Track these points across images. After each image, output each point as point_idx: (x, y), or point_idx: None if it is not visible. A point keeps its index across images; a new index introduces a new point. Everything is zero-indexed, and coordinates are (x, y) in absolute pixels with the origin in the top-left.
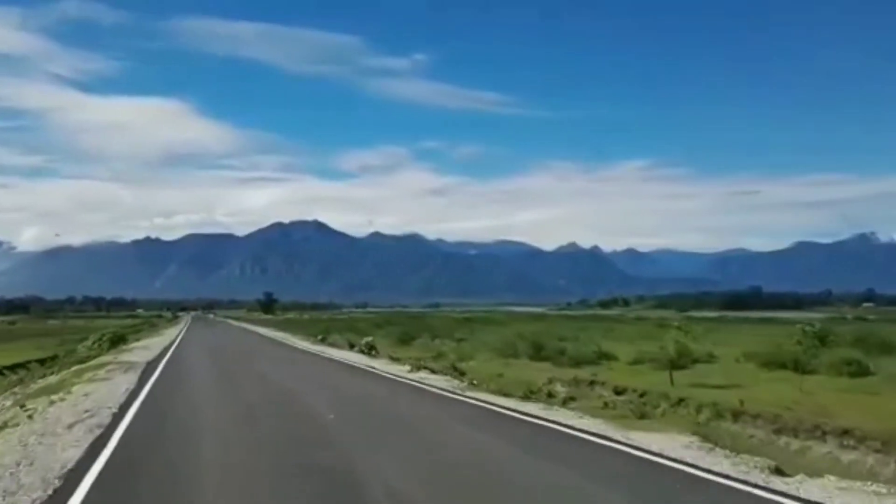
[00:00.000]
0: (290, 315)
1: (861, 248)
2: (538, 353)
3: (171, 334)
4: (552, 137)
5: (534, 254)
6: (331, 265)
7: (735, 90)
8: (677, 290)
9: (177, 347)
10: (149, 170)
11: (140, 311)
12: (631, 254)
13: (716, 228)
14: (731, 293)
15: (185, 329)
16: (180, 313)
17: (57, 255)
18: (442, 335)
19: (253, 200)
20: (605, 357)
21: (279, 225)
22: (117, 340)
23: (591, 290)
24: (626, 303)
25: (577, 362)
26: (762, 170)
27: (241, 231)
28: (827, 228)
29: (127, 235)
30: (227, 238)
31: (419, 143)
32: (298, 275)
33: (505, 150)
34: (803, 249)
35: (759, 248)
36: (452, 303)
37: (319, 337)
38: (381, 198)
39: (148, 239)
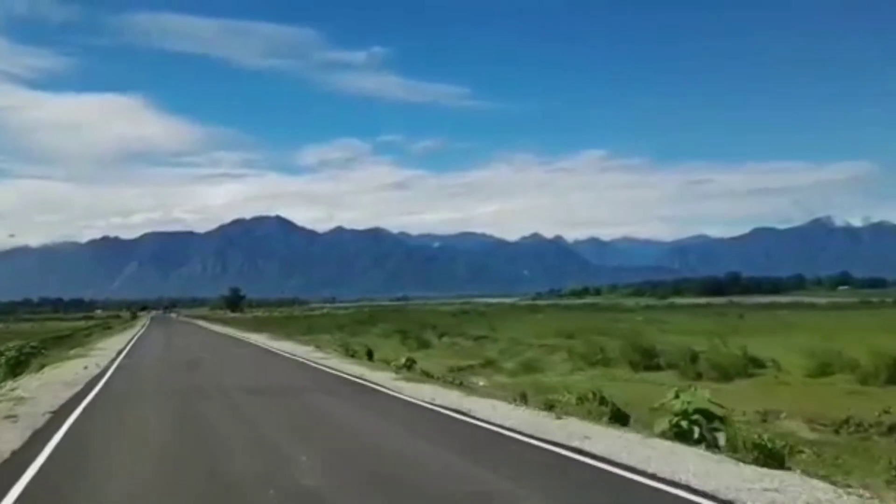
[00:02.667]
0: (258, 312)
1: (817, 233)
2: (647, 358)
3: (117, 344)
4: (511, 129)
5: (497, 245)
6: (294, 261)
7: (685, 78)
8: (640, 278)
9: (118, 373)
10: (105, 168)
11: (98, 311)
12: (593, 243)
13: (675, 216)
14: (711, 279)
15: (139, 334)
16: (141, 313)
17: (12, 256)
18: (451, 332)
19: (213, 197)
20: (756, 363)
21: (240, 221)
22: (22, 362)
23: (555, 281)
24: (597, 292)
25: (726, 374)
26: (716, 158)
27: (202, 228)
28: (783, 214)
29: (84, 235)
30: (188, 235)
31: (379, 137)
32: (261, 271)
33: (464, 143)
34: (761, 235)
35: (718, 234)
36: (418, 296)
37: (313, 344)
38: (342, 192)
39: (106, 238)
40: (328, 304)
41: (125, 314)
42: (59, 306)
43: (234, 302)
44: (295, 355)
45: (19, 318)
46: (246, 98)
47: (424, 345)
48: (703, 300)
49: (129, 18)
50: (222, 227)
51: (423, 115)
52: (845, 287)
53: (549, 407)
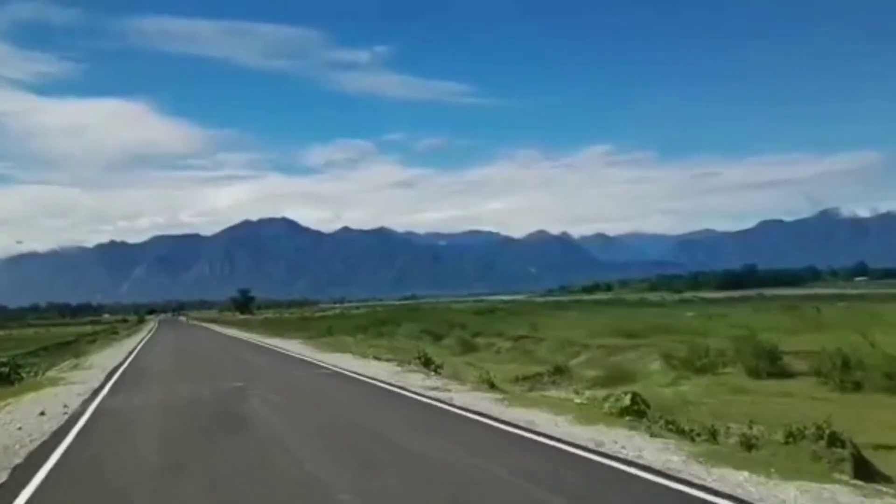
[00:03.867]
0: (269, 314)
1: (824, 225)
2: (769, 363)
3: (112, 359)
4: (515, 126)
5: (503, 242)
6: (301, 261)
7: (691, 71)
8: (647, 274)
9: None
10: (110, 172)
11: (106, 315)
12: (600, 238)
13: (681, 211)
14: (728, 272)
15: (144, 342)
16: (149, 316)
17: (20, 262)
18: (485, 332)
19: (219, 199)
20: None
21: (247, 223)
22: None
23: (562, 277)
24: (608, 288)
25: None
26: (722, 151)
27: (209, 231)
28: (790, 206)
29: (91, 240)
30: (195, 238)
31: (383, 136)
32: (269, 272)
33: (469, 140)
34: (768, 228)
35: (724, 228)
36: (426, 295)
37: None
38: (348, 192)
39: (113, 242)
40: (338, 305)
41: (132, 318)
42: (66, 312)
43: (244, 304)
44: (386, 382)
45: (24, 325)
46: (250, 99)
47: (470, 348)
48: (722, 294)
49: (132, 22)
50: (229, 229)
51: (426, 113)
52: (863, 278)
53: (748, 447)
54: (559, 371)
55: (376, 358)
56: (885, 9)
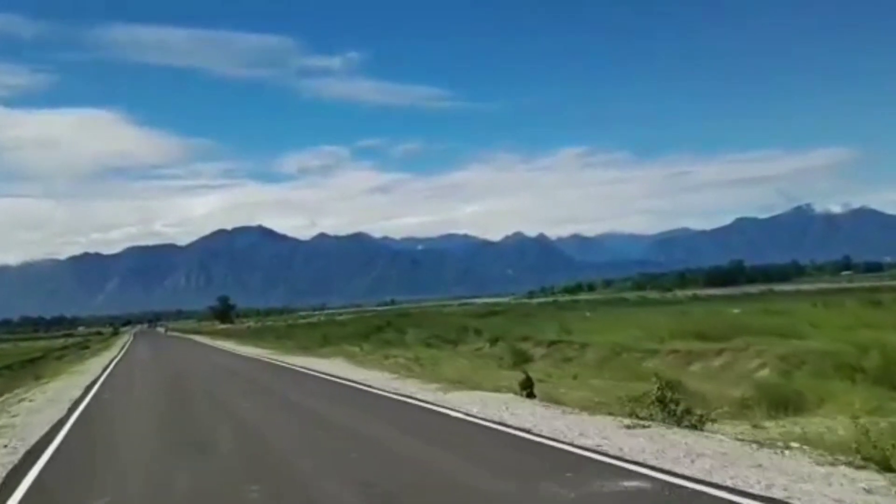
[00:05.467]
0: (250, 323)
1: (798, 221)
2: None
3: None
4: (490, 129)
5: (481, 246)
6: (277, 270)
7: (664, 71)
8: (625, 273)
9: None
10: (84, 183)
11: (81, 328)
12: (577, 239)
13: (657, 210)
14: (716, 268)
15: (116, 363)
16: (124, 328)
17: None
18: (506, 336)
19: (194, 209)
20: None
21: (222, 232)
22: None
23: (540, 279)
24: (591, 288)
25: None
26: (695, 150)
27: (184, 240)
28: (764, 203)
29: (64, 252)
30: (170, 248)
31: (358, 142)
32: (245, 281)
33: (444, 144)
34: (743, 225)
35: (701, 226)
36: (406, 300)
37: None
38: (324, 199)
39: (86, 254)
40: (318, 312)
41: (107, 330)
42: (40, 325)
43: (224, 312)
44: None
45: None
46: (223, 108)
47: (524, 359)
48: (723, 291)
49: (105, 32)
50: (204, 239)
51: (401, 118)
52: (848, 272)
53: None
54: (670, 388)
55: (438, 384)
56: (855, 5)
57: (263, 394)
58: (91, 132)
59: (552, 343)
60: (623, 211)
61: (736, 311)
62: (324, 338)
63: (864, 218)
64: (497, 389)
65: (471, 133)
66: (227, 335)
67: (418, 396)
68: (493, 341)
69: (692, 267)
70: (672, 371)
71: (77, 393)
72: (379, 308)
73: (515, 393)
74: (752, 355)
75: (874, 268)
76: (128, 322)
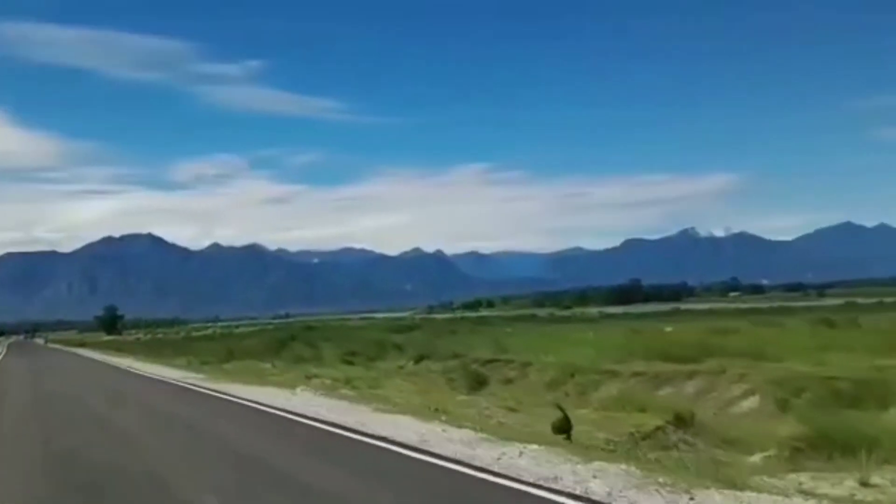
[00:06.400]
0: (139, 334)
1: (684, 243)
2: None
3: None
4: (392, 144)
5: (378, 260)
6: (168, 280)
7: (560, 93)
8: (520, 290)
9: None
10: None
11: None
12: (474, 256)
13: (552, 229)
14: (616, 287)
15: None
16: None
17: None
18: (434, 355)
19: (79, 214)
20: None
21: (110, 239)
22: None
23: (437, 294)
24: (490, 304)
25: None
26: (591, 172)
27: (68, 247)
28: (653, 225)
29: None
30: (52, 255)
31: (256, 152)
32: (133, 291)
33: (344, 157)
34: (632, 246)
35: (593, 246)
36: (301, 313)
37: None
38: (219, 208)
39: None
40: (211, 324)
41: None
42: None
43: (111, 323)
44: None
45: None
46: (114, 112)
47: (480, 382)
48: (619, 309)
49: None
50: (89, 246)
51: (301, 129)
52: (736, 293)
53: None
54: (682, 422)
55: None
56: (742, 41)
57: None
58: None
59: (488, 362)
60: (520, 229)
61: (668, 328)
62: (229, 353)
63: (744, 242)
64: (531, 437)
65: (371, 147)
66: (117, 349)
67: (436, 450)
68: (419, 359)
69: (584, 286)
70: (641, 397)
71: None
72: (276, 321)
73: (547, 437)
74: (731, 379)
75: (759, 289)
76: (1, 332)
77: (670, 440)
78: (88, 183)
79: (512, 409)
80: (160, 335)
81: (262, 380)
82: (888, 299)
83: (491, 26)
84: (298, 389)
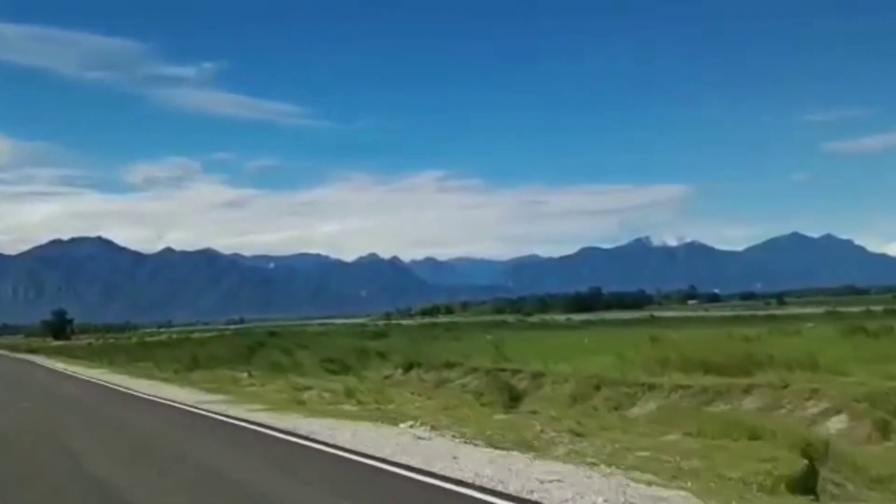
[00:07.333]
0: (91, 340)
1: (638, 252)
2: None
3: None
4: (349, 149)
5: (334, 265)
6: (117, 283)
7: (517, 101)
8: (475, 296)
9: None
10: None
11: None
12: (430, 262)
13: (508, 237)
14: (576, 294)
15: None
16: None
17: None
18: (424, 363)
19: (26, 216)
20: None
21: (57, 242)
22: None
23: (394, 301)
24: (449, 311)
25: None
26: (548, 181)
27: (13, 250)
28: (608, 234)
29: None
30: None
31: (210, 155)
32: (81, 295)
33: (301, 162)
34: (588, 254)
35: (548, 254)
36: (256, 318)
37: None
38: (172, 212)
39: None
40: (164, 329)
41: None
42: None
43: (60, 328)
44: None
45: None
46: (64, 112)
47: (515, 397)
48: (584, 316)
49: None
50: (36, 249)
51: (257, 133)
52: (694, 301)
53: None
54: (813, 453)
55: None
56: (696, 45)
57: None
58: None
59: (489, 372)
60: (476, 236)
61: (675, 336)
62: (194, 360)
63: (696, 251)
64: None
65: (328, 152)
66: (69, 355)
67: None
68: (407, 367)
69: (540, 293)
70: (689, 413)
71: None
72: (232, 326)
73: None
74: (800, 395)
75: (716, 298)
76: None
77: (821, 483)
78: (37, 184)
79: (578, 434)
80: (111, 340)
81: (326, 408)
82: (874, 307)
83: (448, 32)
84: (404, 426)
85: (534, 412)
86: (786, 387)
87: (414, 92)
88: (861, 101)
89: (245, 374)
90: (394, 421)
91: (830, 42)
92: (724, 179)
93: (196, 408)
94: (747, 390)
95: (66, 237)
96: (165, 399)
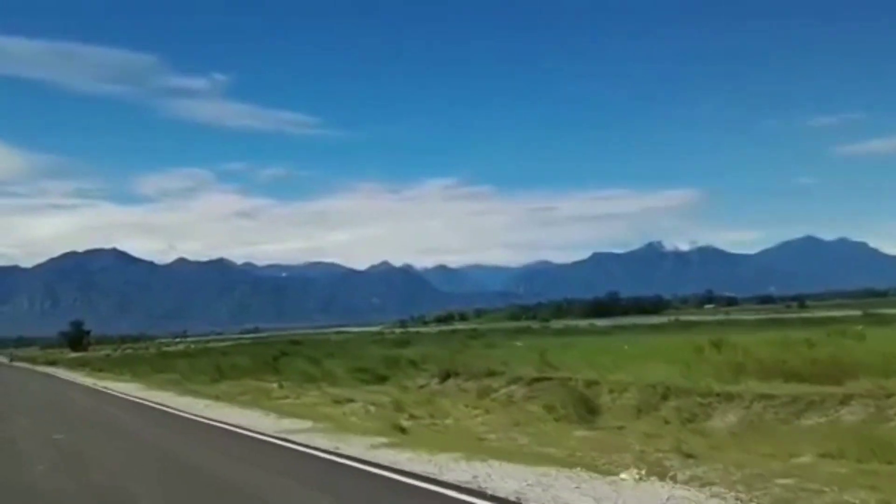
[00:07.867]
0: (108, 351)
1: (650, 257)
2: None
3: None
4: (359, 158)
5: (346, 274)
6: (132, 294)
7: (526, 108)
8: (488, 304)
9: None
10: None
11: None
12: (442, 270)
13: (520, 243)
14: (593, 300)
15: None
16: None
17: None
18: (464, 372)
19: (42, 229)
20: None
21: (73, 254)
22: None
23: (406, 309)
24: (463, 318)
25: None
26: (558, 186)
27: (29, 262)
28: (620, 239)
29: None
30: (12, 270)
31: (222, 166)
32: (96, 306)
33: (312, 171)
34: (600, 259)
35: (560, 259)
36: (270, 328)
37: None
38: (184, 222)
39: None
40: (180, 339)
41: None
42: None
43: (77, 339)
44: None
45: None
46: (78, 125)
47: (591, 410)
48: (601, 320)
49: None
50: (52, 261)
51: (267, 143)
52: (711, 305)
53: None
54: None
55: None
56: (705, 51)
57: None
58: None
59: (535, 381)
60: (487, 243)
61: (738, 340)
62: (218, 370)
63: (708, 255)
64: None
65: (338, 161)
66: (92, 367)
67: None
68: (444, 376)
69: (552, 299)
70: (777, 427)
71: None
72: (247, 336)
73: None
74: None
75: (733, 302)
76: None
77: None
78: (51, 197)
79: (688, 455)
80: (129, 351)
81: (467, 443)
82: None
83: (456, 41)
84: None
85: (620, 427)
86: (890, 396)
87: (422, 100)
88: (862, 105)
89: (275, 385)
90: (605, 470)
91: (844, 47)
92: (734, 183)
93: (290, 441)
94: (844, 400)
95: (80, 249)
96: (238, 427)
